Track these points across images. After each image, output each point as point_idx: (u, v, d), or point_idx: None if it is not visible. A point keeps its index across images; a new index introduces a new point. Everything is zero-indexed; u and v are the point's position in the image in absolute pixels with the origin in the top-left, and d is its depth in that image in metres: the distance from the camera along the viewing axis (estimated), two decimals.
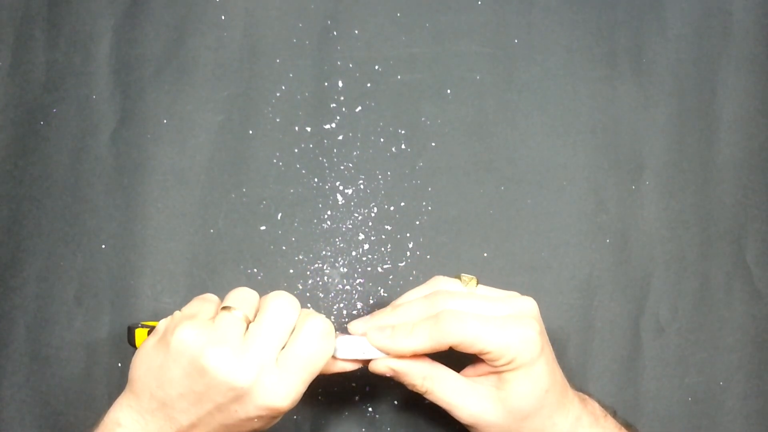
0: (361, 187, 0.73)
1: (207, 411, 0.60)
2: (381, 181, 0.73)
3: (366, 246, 0.72)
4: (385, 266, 0.72)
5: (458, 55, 0.73)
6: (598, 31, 0.75)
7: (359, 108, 0.73)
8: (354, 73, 0.73)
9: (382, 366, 0.62)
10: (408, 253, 0.72)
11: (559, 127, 0.74)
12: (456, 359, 0.63)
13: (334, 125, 0.73)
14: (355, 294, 0.72)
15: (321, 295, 0.72)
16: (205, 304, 0.63)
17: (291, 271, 0.72)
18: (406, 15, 0.73)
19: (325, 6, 0.73)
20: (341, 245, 0.72)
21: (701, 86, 0.75)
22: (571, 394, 0.65)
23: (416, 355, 0.62)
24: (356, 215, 0.73)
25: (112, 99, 0.72)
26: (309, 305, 0.72)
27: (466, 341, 0.60)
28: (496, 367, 0.61)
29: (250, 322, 0.61)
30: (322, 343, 0.60)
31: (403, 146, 0.73)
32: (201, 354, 0.58)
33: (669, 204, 0.74)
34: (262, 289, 0.68)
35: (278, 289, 0.65)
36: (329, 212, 0.72)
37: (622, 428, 0.67)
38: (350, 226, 0.73)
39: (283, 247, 0.72)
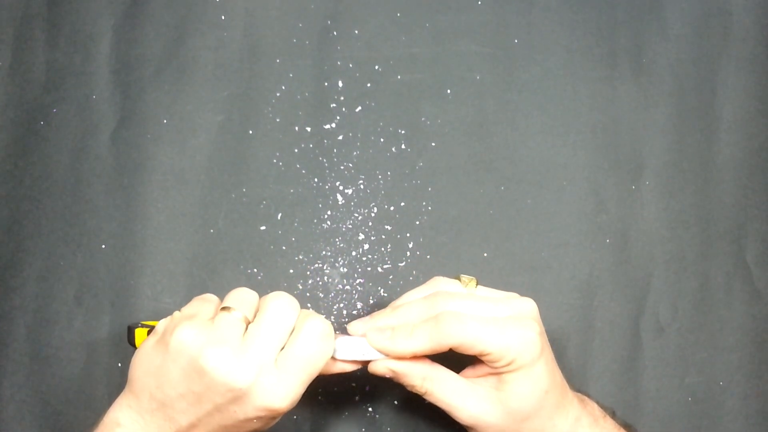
0: (361, 187, 0.72)
1: (206, 411, 0.59)
2: (381, 181, 0.72)
3: (366, 246, 0.72)
4: (385, 266, 0.72)
5: (458, 55, 0.73)
6: (598, 31, 0.74)
7: (359, 108, 0.73)
8: (354, 73, 0.73)
9: (381, 367, 0.62)
10: (408, 253, 0.72)
11: (559, 127, 0.73)
12: (455, 360, 0.63)
13: (334, 125, 0.72)
14: (355, 294, 0.72)
15: (321, 295, 0.72)
16: (204, 304, 0.63)
17: (291, 271, 0.72)
18: (406, 15, 0.73)
19: (325, 6, 0.73)
20: (341, 245, 0.72)
21: (701, 86, 0.75)
22: (571, 395, 0.64)
23: (416, 357, 0.62)
24: (356, 215, 0.72)
25: (112, 99, 0.72)
26: (309, 305, 0.72)
27: (466, 343, 0.60)
28: (496, 368, 0.61)
29: (249, 323, 0.60)
30: (322, 344, 0.60)
31: (403, 146, 0.73)
32: (200, 354, 0.58)
33: (669, 204, 0.74)
34: (262, 289, 0.69)
35: (278, 289, 0.65)
36: (329, 212, 0.72)
37: (621, 429, 0.66)
38: (350, 226, 0.72)
39: (283, 247, 0.72)
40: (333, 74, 0.73)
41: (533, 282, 0.72)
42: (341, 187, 0.72)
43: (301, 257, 0.72)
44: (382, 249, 0.72)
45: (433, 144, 0.73)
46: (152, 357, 0.61)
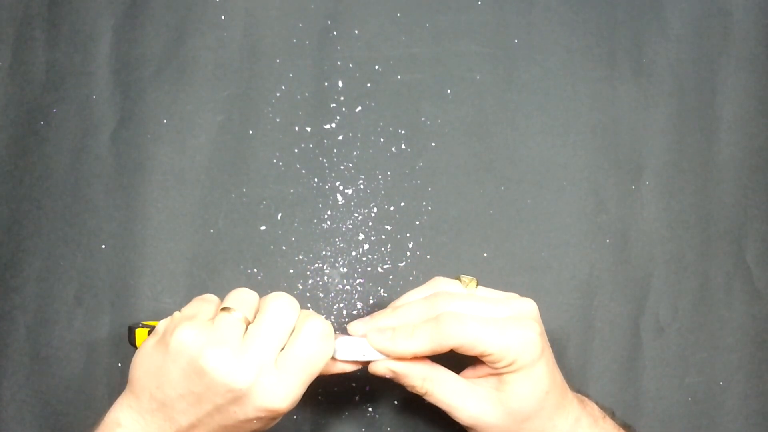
0: (361, 187, 0.72)
1: (206, 412, 0.59)
2: (381, 181, 0.72)
3: (366, 246, 0.72)
4: (385, 266, 0.72)
5: (458, 55, 0.73)
6: (598, 31, 0.74)
7: (359, 108, 0.72)
8: (354, 73, 0.72)
9: (381, 367, 0.62)
10: (408, 253, 0.72)
11: (559, 127, 0.73)
12: (456, 360, 0.63)
13: (334, 125, 0.72)
14: (355, 294, 0.72)
15: (321, 295, 0.71)
16: (204, 304, 0.63)
17: (291, 271, 0.71)
18: (406, 15, 0.73)
19: (325, 6, 0.73)
20: (341, 245, 0.72)
21: (701, 86, 0.74)
22: (571, 396, 0.64)
23: (416, 357, 0.61)
24: (356, 215, 0.72)
25: (112, 99, 0.72)
26: (309, 305, 0.71)
27: (467, 343, 0.59)
28: (496, 368, 0.61)
29: (249, 323, 0.60)
30: (322, 345, 0.60)
31: (403, 146, 0.72)
32: (200, 355, 0.58)
33: (669, 204, 0.74)
34: (262, 289, 0.69)
35: (278, 289, 0.65)
36: (329, 212, 0.72)
37: (621, 429, 0.66)
38: (350, 226, 0.72)
39: (283, 247, 0.71)
40: (333, 74, 0.72)
41: (533, 282, 0.72)
42: (341, 187, 0.72)
43: (301, 257, 0.71)
44: (382, 249, 0.72)
45: (433, 144, 0.72)
46: (152, 357, 0.60)
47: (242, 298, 0.61)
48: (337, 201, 0.72)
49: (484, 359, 0.60)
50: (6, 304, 0.70)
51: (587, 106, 0.73)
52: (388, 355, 0.61)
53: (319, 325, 0.60)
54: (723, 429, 0.73)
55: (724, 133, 0.74)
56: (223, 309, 0.60)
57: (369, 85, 0.72)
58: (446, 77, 0.73)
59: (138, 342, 0.64)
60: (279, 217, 0.71)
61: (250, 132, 0.72)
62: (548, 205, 0.73)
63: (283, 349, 0.59)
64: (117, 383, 0.70)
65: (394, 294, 0.71)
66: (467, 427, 0.63)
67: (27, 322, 0.70)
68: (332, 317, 0.71)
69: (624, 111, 0.74)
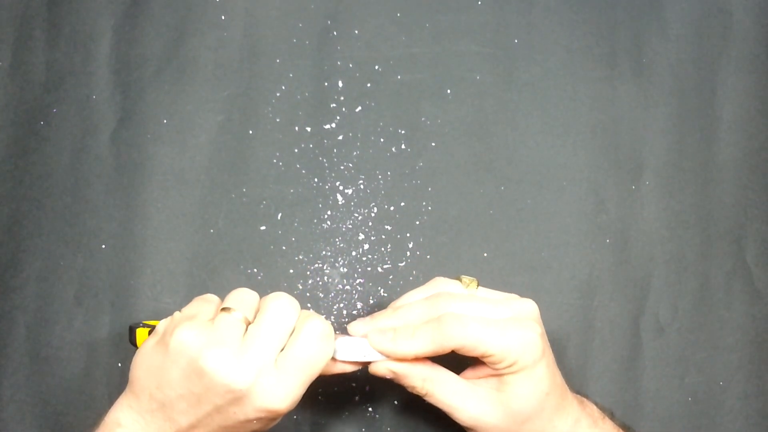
0: (361, 187, 0.72)
1: (206, 412, 0.59)
2: (381, 181, 0.72)
3: (366, 246, 0.71)
4: (385, 266, 0.72)
5: (458, 55, 0.73)
6: (598, 31, 0.74)
7: (359, 108, 0.72)
8: (354, 73, 0.72)
9: (382, 368, 0.62)
10: (408, 253, 0.72)
11: (559, 127, 0.73)
12: (456, 361, 0.62)
13: (334, 125, 0.72)
14: (355, 294, 0.71)
15: (321, 295, 0.71)
16: (204, 304, 0.62)
17: (291, 271, 0.71)
18: (406, 15, 0.73)
19: (325, 6, 0.72)
20: (341, 245, 0.71)
21: (701, 86, 0.74)
22: (570, 397, 0.64)
23: (417, 358, 0.61)
24: (356, 215, 0.72)
25: (112, 99, 0.71)
26: (309, 305, 0.71)
27: (469, 345, 0.59)
28: (497, 369, 0.60)
29: (249, 324, 0.60)
30: (322, 345, 0.59)
31: (403, 146, 0.72)
32: (199, 355, 0.58)
33: (669, 204, 0.73)
34: (262, 289, 0.68)
35: (278, 289, 0.65)
36: (329, 212, 0.72)
37: (620, 430, 0.66)
38: (350, 226, 0.72)
39: (283, 247, 0.71)
40: (333, 74, 0.72)
41: (533, 282, 0.72)
42: (341, 187, 0.72)
43: (301, 257, 0.71)
44: (382, 249, 0.72)
45: (433, 144, 0.72)
46: (152, 357, 0.60)
47: (242, 298, 0.61)
48: (337, 201, 0.72)
49: (485, 360, 0.60)
50: (6, 304, 0.70)
51: (587, 106, 0.73)
52: (388, 356, 0.61)
53: (319, 325, 0.59)
54: (723, 429, 0.72)
55: (724, 133, 0.74)
56: (223, 309, 0.60)
57: (369, 85, 0.72)
58: (446, 77, 0.72)
59: (138, 342, 0.64)
60: (279, 217, 0.71)
61: (250, 132, 0.71)
62: (548, 205, 0.72)
63: (283, 349, 0.59)
64: (117, 383, 0.70)
65: (394, 294, 0.71)
66: (467, 428, 0.63)
67: (27, 322, 0.70)
68: (332, 317, 0.71)
69: (624, 111, 0.73)
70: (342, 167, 0.72)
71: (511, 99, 0.73)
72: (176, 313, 0.62)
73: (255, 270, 0.71)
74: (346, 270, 0.71)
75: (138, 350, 0.62)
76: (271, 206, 0.71)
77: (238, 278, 0.71)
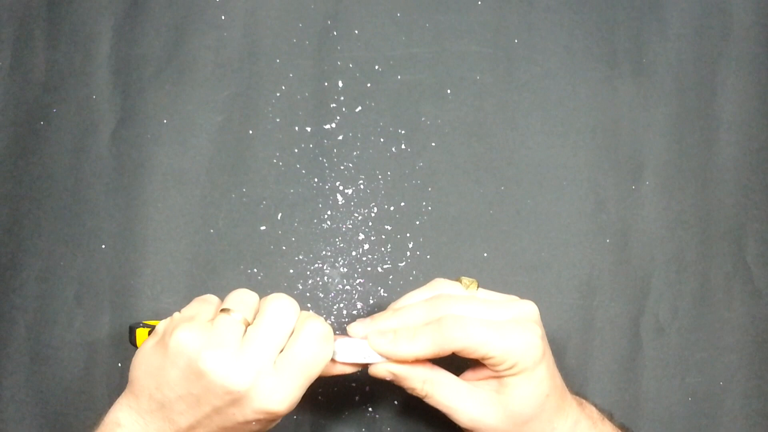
0: (361, 187, 0.71)
1: (205, 413, 0.58)
2: (381, 181, 0.71)
3: (366, 246, 0.71)
4: (385, 266, 0.71)
5: (458, 55, 0.72)
6: (598, 31, 0.73)
7: (359, 108, 0.72)
8: (354, 73, 0.72)
9: (382, 370, 0.61)
10: (408, 253, 0.71)
11: (559, 127, 0.72)
12: (456, 363, 0.62)
13: (334, 125, 0.71)
14: (355, 294, 0.71)
15: (321, 295, 0.71)
16: (204, 305, 0.62)
17: (291, 271, 0.71)
18: (406, 15, 0.72)
19: (325, 6, 0.72)
20: (341, 245, 0.71)
21: (701, 86, 0.73)
22: (570, 398, 0.63)
23: (417, 360, 0.60)
24: (356, 215, 0.71)
25: (112, 99, 0.71)
26: (309, 305, 0.71)
27: (470, 347, 0.58)
28: (497, 371, 0.59)
29: (249, 325, 0.59)
30: (321, 347, 0.59)
31: (403, 146, 0.72)
32: (198, 357, 0.57)
33: (669, 204, 0.73)
34: (262, 289, 0.68)
35: (278, 289, 0.66)
36: (329, 212, 0.71)
37: (619, 431, 0.65)
38: (350, 226, 0.71)
39: (283, 247, 0.71)
40: (333, 74, 0.71)
41: (533, 282, 0.71)
42: (341, 187, 0.71)
43: (301, 257, 0.71)
44: (382, 249, 0.71)
45: (433, 144, 0.72)
46: (152, 358, 0.60)
47: (242, 299, 0.60)
48: (337, 201, 0.71)
49: (485, 362, 0.59)
50: (6, 304, 0.70)
51: (587, 106, 0.72)
52: (389, 358, 0.60)
53: (318, 327, 0.59)
54: (723, 429, 0.72)
55: (724, 133, 0.73)
56: (223, 310, 0.59)
57: (369, 85, 0.72)
58: (446, 77, 0.72)
59: (138, 342, 0.64)
60: (279, 217, 0.71)
61: (250, 132, 0.71)
62: (548, 205, 0.72)
63: (282, 350, 0.58)
64: (117, 383, 0.69)
65: (394, 294, 0.70)
66: (467, 430, 0.62)
67: (27, 322, 0.70)
68: (332, 317, 0.71)
69: (624, 111, 0.73)
70: (342, 167, 0.71)
71: (511, 99, 0.72)
72: (176, 314, 0.61)
73: (255, 270, 0.70)
74: (346, 270, 0.71)
75: (137, 351, 0.62)
76: (271, 206, 0.71)
77: (238, 278, 0.70)
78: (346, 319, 0.70)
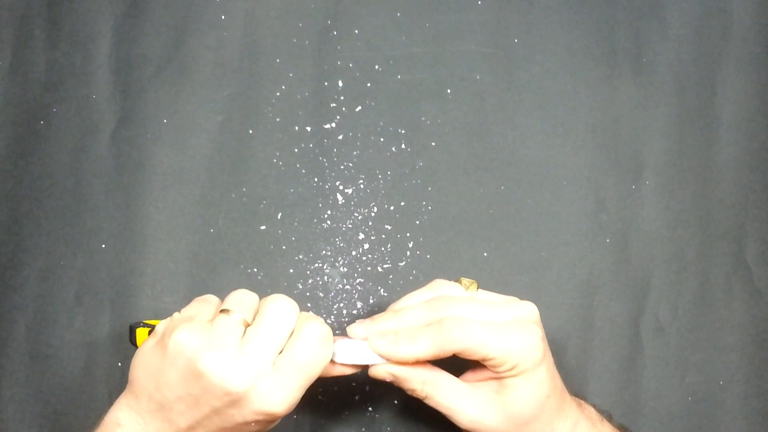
0: (361, 186, 0.71)
1: (204, 414, 0.58)
2: (381, 181, 0.71)
3: (366, 246, 0.70)
4: (385, 266, 0.70)
5: (458, 55, 0.71)
6: (598, 31, 0.72)
7: (359, 108, 0.71)
8: (354, 73, 0.71)
9: (382, 371, 0.60)
10: (408, 253, 0.70)
11: (559, 127, 0.71)
12: (456, 364, 0.61)
13: (334, 125, 0.71)
14: (355, 294, 0.70)
15: (321, 294, 0.70)
16: (204, 305, 0.61)
17: (291, 270, 0.70)
18: (406, 15, 0.71)
19: (325, 6, 0.71)
20: (341, 245, 0.70)
21: (701, 86, 0.73)
22: (569, 399, 0.63)
23: (418, 361, 0.59)
24: (356, 215, 0.71)
25: (112, 99, 0.70)
26: (309, 305, 0.70)
27: (471, 348, 0.58)
28: (498, 372, 0.59)
29: (248, 326, 0.58)
30: (320, 348, 0.58)
31: (403, 146, 0.71)
32: (197, 358, 0.56)
33: (669, 204, 0.72)
34: (262, 289, 0.68)
35: (278, 289, 0.65)
36: (329, 212, 0.70)
37: None
38: (350, 226, 0.71)
39: (283, 247, 0.70)
40: (333, 74, 0.71)
41: (533, 282, 0.70)
42: (341, 187, 0.71)
43: (301, 257, 0.70)
44: (382, 249, 0.70)
45: (433, 144, 0.71)
46: (151, 358, 0.59)
47: (242, 299, 0.60)
48: (337, 201, 0.71)
49: (486, 363, 0.59)
50: (6, 303, 0.69)
51: (587, 106, 0.72)
52: (389, 359, 0.59)
53: (317, 328, 0.58)
54: (723, 429, 0.71)
55: (724, 133, 0.72)
56: (222, 311, 0.59)
57: (369, 85, 0.71)
58: (446, 77, 0.71)
59: (139, 341, 0.63)
60: (279, 217, 0.70)
61: (250, 132, 0.70)
62: (548, 205, 0.71)
63: (281, 352, 0.58)
64: (117, 383, 0.69)
65: (394, 294, 0.70)
66: (467, 431, 0.61)
67: (27, 321, 0.69)
68: (332, 317, 0.70)
69: (624, 111, 0.72)
70: (342, 167, 0.71)
71: (511, 99, 0.71)
72: (175, 314, 0.61)
73: (255, 270, 0.70)
74: (346, 270, 0.70)
75: (137, 351, 0.61)
76: (271, 206, 0.70)
77: (238, 278, 0.70)
78: (346, 319, 0.70)
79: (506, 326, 0.58)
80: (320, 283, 0.70)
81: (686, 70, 0.73)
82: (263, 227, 0.70)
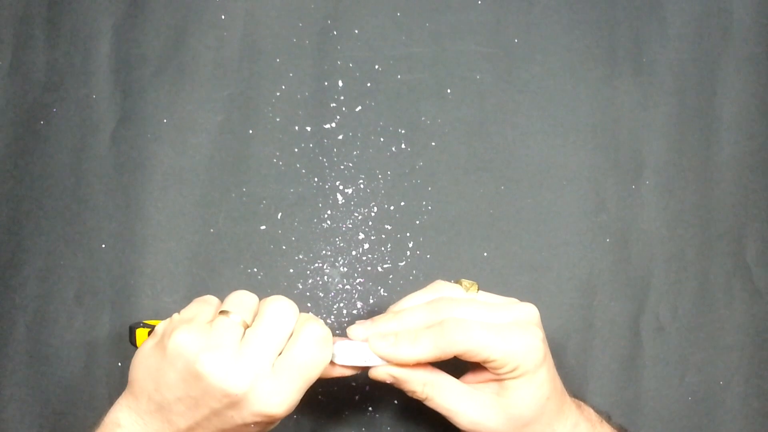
0: (361, 186, 0.70)
1: (203, 416, 0.57)
2: (381, 181, 0.70)
3: (366, 246, 0.70)
4: (385, 266, 0.70)
5: (458, 55, 0.71)
6: (598, 31, 0.72)
7: (359, 108, 0.70)
8: (354, 73, 0.70)
9: (382, 373, 0.59)
10: (408, 253, 0.70)
11: (559, 127, 0.71)
12: (456, 365, 0.60)
13: (334, 125, 0.70)
14: (355, 294, 0.70)
15: (321, 294, 0.69)
16: (203, 306, 0.60)
17: (291, 270, 0.69)
18: (406, 15, 0.71)
19: (325, 6, 0.71)
20: (341, 245, 0.70)
21: (701, 86, 0.72)
22: (569, 401, 0.62)
23: (418, 363, 0.59)
24: (356, 215, 0.70)
25: (112, 99, 0.70)
26: (309, 305, 0.69)
27: (472, 350, 0.57)
28: (498, 374, 0.58)
29: (247, 327, 0.58)
30: (320, 350, 0.57)
31: (403, 146, 0.70)
32: (196, 359, 0.56)
33: (669, 204, 0.71)
34: (262, 289, 0.68)
35: (278, 289, 0.65)
36: (329, 212, 0.70)
37: None
38: (350, 226, 0.70)
39: (283, 247, 0.69)
40: (333, 74, 0.70)
41: (533, 282, 0.70)
42: (341, 187, 0.70)
43: (301, 257, 0.69)
44: (382, 249, 0.70)
45: (433, 144, 0.70)
46: (150, 359, 0.59)
47: (241, 300, 0.59)
48: (337, 201, 0.70)
49: (486, 365, 0.58)
50: (6, 303, 0.69)
51: (587, 106, 0.71)
52: (390, 361, 0.59)
53: (317, 329, 0.57)
54: (723, 429, 0.70)
55: (724, 133, 0.72)
56: (222, 312, 0.58)
57: (369, 85, 0.70)
58: (446, 77, 0.71)
59: (138, 342, 0.63)
60: (279, 217, 0.69)
61: (250, 132, 0.70)
62: (548, 205, 0.70)
63: (281, 353, 0.57)
64: (117, 383, 0.68)
65: (394, 294, 0.69)
66: None
67: (27, 321, 0.69)
68: (332, 317, 0.69)
69: (624, 111, 0.71)
70: (342, 167, 0.70)
71: (511, 99, 0.71)
72: (175, 315, 0.60)
73: (255, 270, 0.69)
74: (346, 269, 0.70)
75: (137, 351, 0.60)
76: (271, 206, 0.69)
77: (238, 278, 0.69)
78: (346, 319, 0.69)
79: (507, 328, 0.58)
80: (320, 283, 0.69)
81: (686, 70, 0.72)
82: (263, 227, 0.69)
